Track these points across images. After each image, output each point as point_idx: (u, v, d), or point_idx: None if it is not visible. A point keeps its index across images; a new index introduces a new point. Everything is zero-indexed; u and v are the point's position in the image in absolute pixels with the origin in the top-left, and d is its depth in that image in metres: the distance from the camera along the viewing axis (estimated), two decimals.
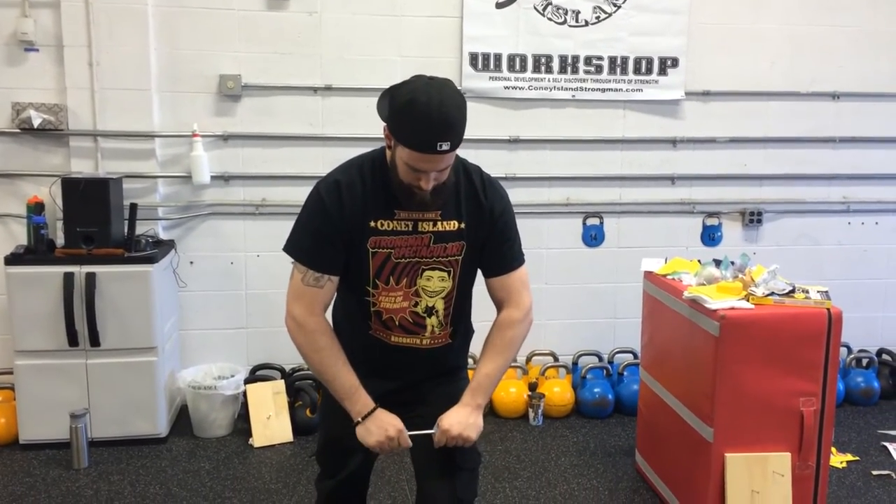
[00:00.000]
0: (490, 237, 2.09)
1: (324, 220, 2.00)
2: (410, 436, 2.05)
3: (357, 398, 2.04)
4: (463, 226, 2.06)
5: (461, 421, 2.02)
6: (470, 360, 3.64)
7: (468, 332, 2.29)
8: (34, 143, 3.88)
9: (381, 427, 2.02)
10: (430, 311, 2.11)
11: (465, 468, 2.11)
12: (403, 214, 2.02)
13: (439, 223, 2.04)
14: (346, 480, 2.22)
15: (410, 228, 2.03)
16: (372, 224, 2.02)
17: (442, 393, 2.19)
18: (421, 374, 2.19)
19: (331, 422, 2.12)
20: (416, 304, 2.10)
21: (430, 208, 2.00)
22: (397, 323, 2.11)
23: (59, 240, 3.72)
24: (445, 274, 2.09)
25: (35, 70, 3.83)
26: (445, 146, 1.86)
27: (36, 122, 3.77)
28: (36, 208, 3.68)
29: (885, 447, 3.81)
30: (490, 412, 4.07)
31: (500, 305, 2.14)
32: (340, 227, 2.00)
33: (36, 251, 3.60)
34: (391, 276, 2.06)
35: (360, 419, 2.03)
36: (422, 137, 1.85)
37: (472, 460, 2.15)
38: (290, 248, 2.06)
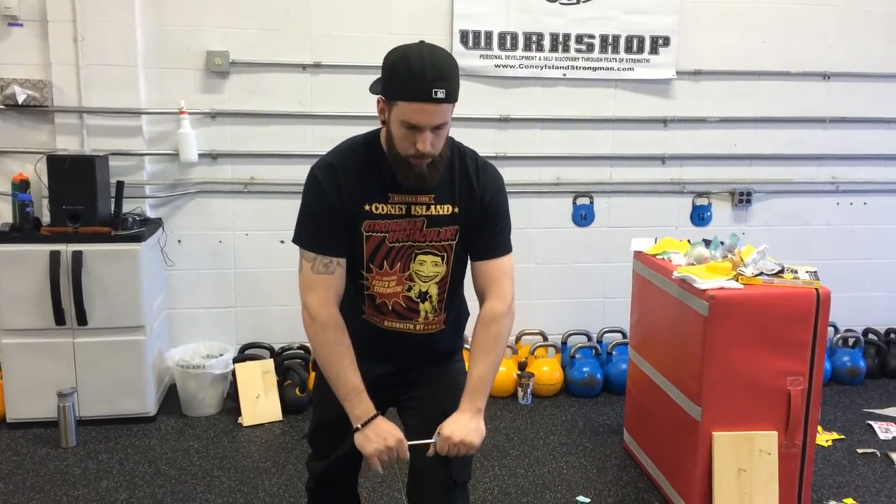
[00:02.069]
0: (479, 220, 2.06)
1: (322, 203, 1.98)
2: (410, 446, 2.01)
3: (358, 402, 2.00)
4: (457, 210, 2.04)
5: (462, 427, 1.99)
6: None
7: (462, 315, 2.27)
8: (19, 119, 3.83)
9: (380, 436, 1.98)
10: (424, 296, 2.09)
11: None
12: (397, 198, 2.01)
13: (433, 207, 2.02)
14: (339, 461, 2.22)
15: (404, 212, 2.01)
16: (367, 208, 2.00)
17: (436, 374, 2.18)
18: (415, 359, 2.18)
19: (325, 403, 2.10)
20: (410, 289, 2.08)
21: (426, 183, 1.97)
22: (391, 308, 2.10)
23: (45, 218, 3.69)
24: (439, 259, 2.07)
25: (19, 45, 3.77)
26: (441, 93, 1.84)
27: (20, 99, 3.72)
28: (21, 186, 3.65)
29: (870, 426, 3.85)
30: None
31: (482, 295, 2.10)
32: (339, 209, 1.98)
33: (21, 229, 3.57)
34: (385, 261, 2.05)
35: (359, 425, 2.00)
36: (417, 85, 1.83)
37: (462, 456, 2.14)
38: (296, 237, 2.04)
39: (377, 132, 2.04)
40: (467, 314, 2.29)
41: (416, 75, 1.84)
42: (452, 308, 2.18)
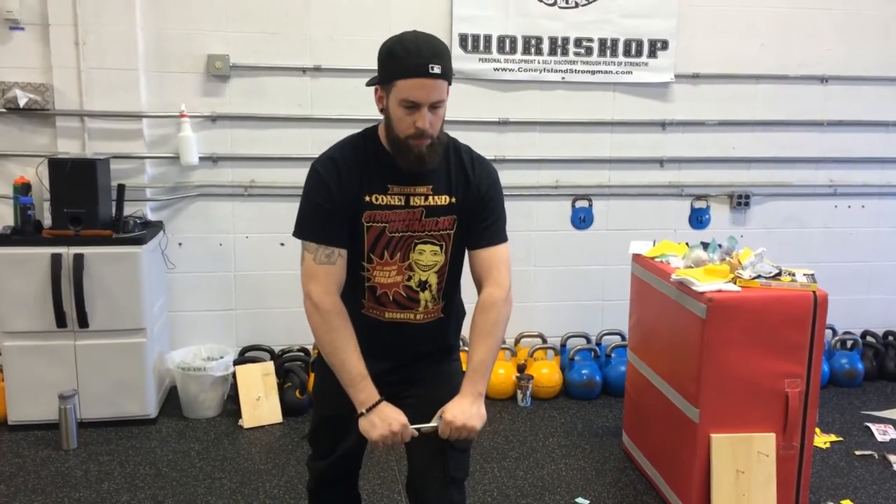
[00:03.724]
0: (476, 209, 2.11)
1: (324, 195, 2.03)
2: (413, 429, 2.03)
3: (363, 387, 2.02)
4: (454, 200, 2.09)
5: (464, 411, 2.01)
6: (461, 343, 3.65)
7: (460, 310, 2.30)
8: (20, 123, 3.84)
9: (385, 421, 1.99)
10: (424, 285, 2.13)
11: (456, 448, 2.13)
12: (396, 189, 2.06)
13: (431, 197, 2.07)
14: (339, 460, 2.23)
15: (403, 203, 2.06)
16: (367, 199, 2.05)
17: (435, 373, 2.20)
18: (414, 353, 2.20)
19: (325, 403, 2.12)
20: (410, 279, 2.12)
21: (426, 165, 2.01)
22: (391, 298, 2.13)
23: (47, 220, 3.70)
24: (437, 248, 2.11)
25: (20, 49, 3.78)
26: (437, 69, 1.92)
27: (22, 102, 3.73)
28: (22, 189, 3.66)
29: (868, 428, 3.86)
30: None
31: (480, 283, 2.14)
32: (340, 200, 2.03)
33: (23, 232, 3.58)
34: (385, 251, 2.09)
35: (363, 411, 2.01)
36: (413, 62, 1.92)
37: (464, 440, 2.16)
38: (297, 230, 2.08)
39: (375, 127, 2.10)
40: (464, 313, 2.32)
41: (412, 53, 1.93)
42: (451, 297, 2.21)
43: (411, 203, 2.07)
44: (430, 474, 2.10)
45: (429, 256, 2.12)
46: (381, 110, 2.04)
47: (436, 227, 2.10)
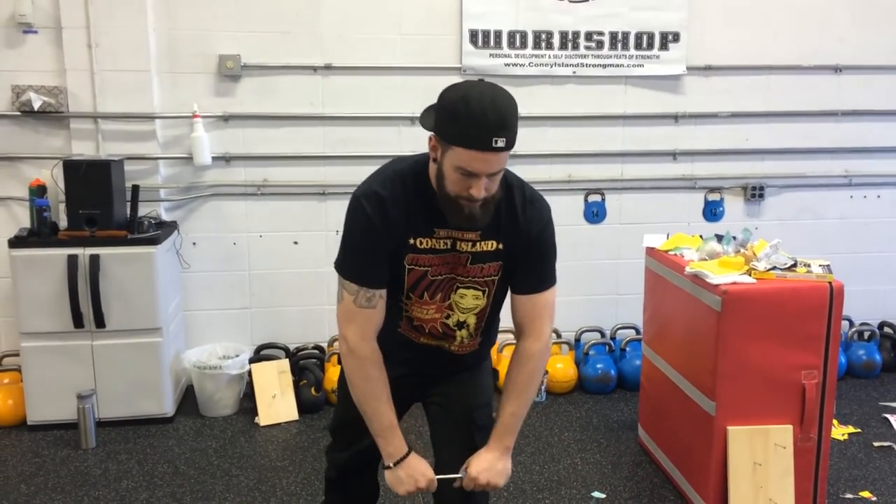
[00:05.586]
0: (524, 255, 2.04)
1: (371, 236, 1.93)
2: (438, 480, 2.03)
3: (391, 439, 2.01)
4: (501, 246, 2.01)
5: (489, 468, 2.01)
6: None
7: (494, 328, 2.25)
8: (35, 125, 3.88)
9: (412, 477, 1.99)
10: (461, 325, 2.09)
11: (480, 445, 2.11)
12: (443, 233, 1.96)
13: (478, 244, 1.98)
14: (359, 454, 2.24)
15: (449, 247, 1.98)
16: (411, 241, 1.96)
17: (461, 374, 2.19)
18: (442, 369, 2.19)
19: (350, 404, 2.11)
20: (448, 317, 2.08)
21: (478, 225, 1.91)
22: (427, 330, 2.10)
23: (62, 222, 3.73)
24: (480, 293, 2.05)
25: (34, 52, 3.81)
26: (501, 143, 1.76)
27: (36, 105, 3.76)
28: (38, 191, 3.70)
29: (887, 419, 3.83)
30: (494, 389, 4.09)
31: (519, 331, 2.08)
32: (385, 241, 1.94)
33: (39, 234, 3.61)
34: (426, 292, 2.04)
35: (391, 464, 2.01)
36: (477, 133, 1.75)
37: (487, 437, 2.16)
38: (340, 266, 2.00)
39: (424, 164, 1.95)
40: (498, 322, 2.27)
41: (477, 122, 1.75)
42: (489, 332, 2.19)
43: (458, 248, 1.98)
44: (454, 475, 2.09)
45: (470, 300, 2.06)
46: (434, 160, 1.88)
47: (480, 273, 2.02)
